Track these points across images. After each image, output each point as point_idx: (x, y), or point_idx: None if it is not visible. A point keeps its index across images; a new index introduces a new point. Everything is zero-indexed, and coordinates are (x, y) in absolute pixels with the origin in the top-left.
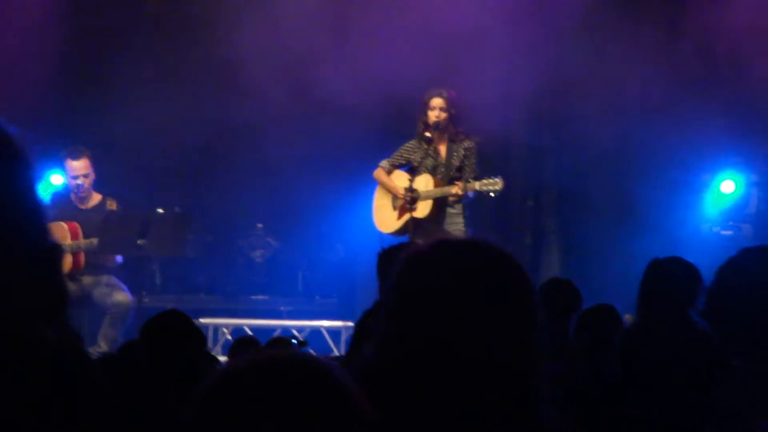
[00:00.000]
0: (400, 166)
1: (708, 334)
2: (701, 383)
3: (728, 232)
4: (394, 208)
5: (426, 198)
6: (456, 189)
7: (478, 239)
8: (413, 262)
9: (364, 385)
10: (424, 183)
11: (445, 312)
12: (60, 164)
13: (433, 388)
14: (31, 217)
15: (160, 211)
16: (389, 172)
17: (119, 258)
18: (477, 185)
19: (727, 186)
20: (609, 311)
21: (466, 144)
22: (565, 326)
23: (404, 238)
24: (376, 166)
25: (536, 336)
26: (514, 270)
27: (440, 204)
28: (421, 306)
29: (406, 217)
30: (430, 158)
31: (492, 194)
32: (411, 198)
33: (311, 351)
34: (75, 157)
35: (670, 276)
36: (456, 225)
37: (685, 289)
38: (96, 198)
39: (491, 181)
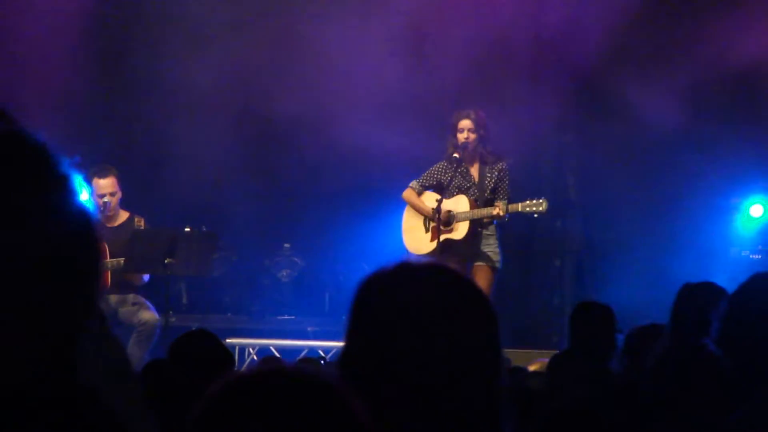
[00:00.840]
0: (430, 187)
1: (721, 361)
2: (716, 410)
3: (757, 257)
4: (427, 229)
5: (463, 219)
6: (497, 210)
7: (438, 264)
8: (373, 281)
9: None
10: (459, 204)
11: (394, 331)
12: (86, 181)
13: (386, 406)
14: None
15: (187, 229)
16: (420, 193)
17: (146, 277)
18: (520, 207)
19: (757, 210)
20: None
21: (499, 165)
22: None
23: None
24: (405, 186)
25: (495, 360)
26: (472, 294)
27: (475, 226)
28: (374, 324)
29: (442, 238)
30: (461, 177)
31: (536, 215)
32: (446, 219)
33: None
34: (102, 176)
35: (702, 301)
36: (490, 247)
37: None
38: (123, 216)
39: (536, 202)
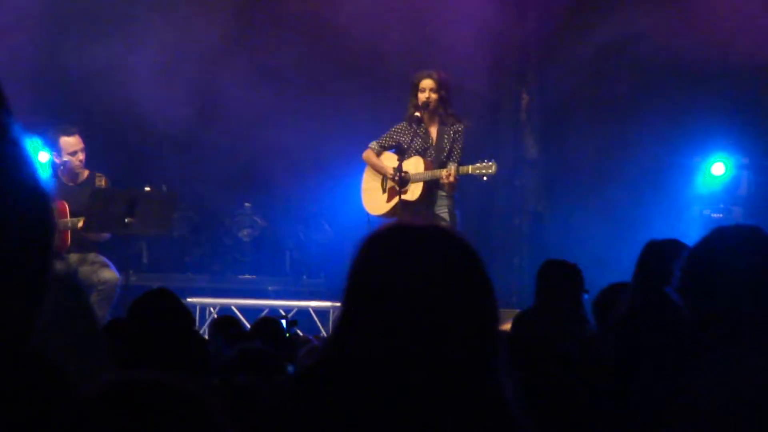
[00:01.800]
0: (389, 148)
1: (682, 310)
2: (676, 362)
3: (719, 215)
4: (384, 190)
5: (416, 180)
6: (446, 172)
7: (436, 226)
8: (368, 248)
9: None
10: (415, 165)
11: (399, 299)
12: (50, 141)
13: (392, 373)
14: (37, 199)
15: (147, 189)
16: (378, 154)
17: (108, 234)
18: (470, 169)
19: (718, 168)
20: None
21: (456, 127)
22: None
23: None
24: (365, 147)
25: (493, 316)
26: (469, 256)
27: (431, 187)
28: (375, 293)
29: (396, 199)
30: (420, 139)
31: (485, 178)
32: (401, 180)
33: (299, 331)
34: (69, 134)
35: (670, 258)
36: (443, 208)
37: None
38: (84, 174)
39: (485, 165)
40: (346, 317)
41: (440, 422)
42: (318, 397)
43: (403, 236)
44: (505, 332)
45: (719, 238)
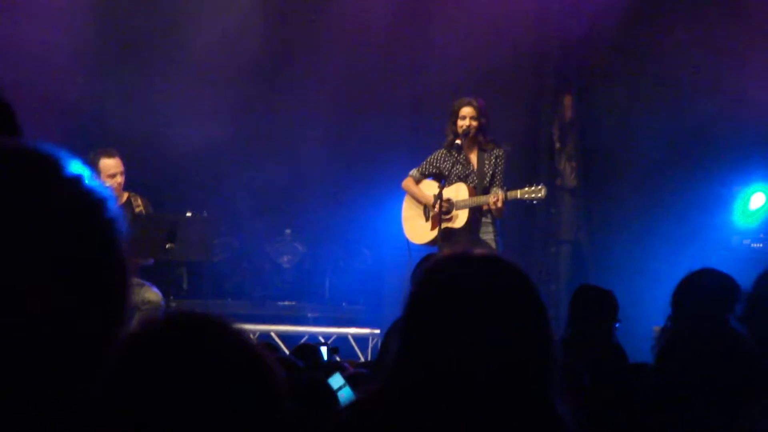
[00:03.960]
0: (429, 175)
1: (745, 338)
2: (737, 388)
3: (758, 245)
4: (427, 218)
5: (462, 207)
6: (494, 197)
7: (493, 254)
8: (427, 279)
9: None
10: (457, 192)
11: (459, 330)
12: (90, 165)
13: (450, 405)
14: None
15: (189, 214)
16: (418, 181)
17: (152, 261)
18: (519, 193)
19: (758, 198)
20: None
21: (497, 152)
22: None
23: (436, 249)
24: (405, 174)
25: (550, 344)
26: (527, 285)
27: (475, 213)
28: (435, 324)
29: (442, 227)
30: (460, 166)
31: (535, 202)
32: (446, 208)
33: (338, 359)
34: (109, 155)
35: (705, 286)
36: (489, 234)
37: (721, 298)
38: (123, 196)
39: (534, 189)
40: (405, 348)
41: None
42: (377, 428)
43: (460, 266)
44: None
45: None
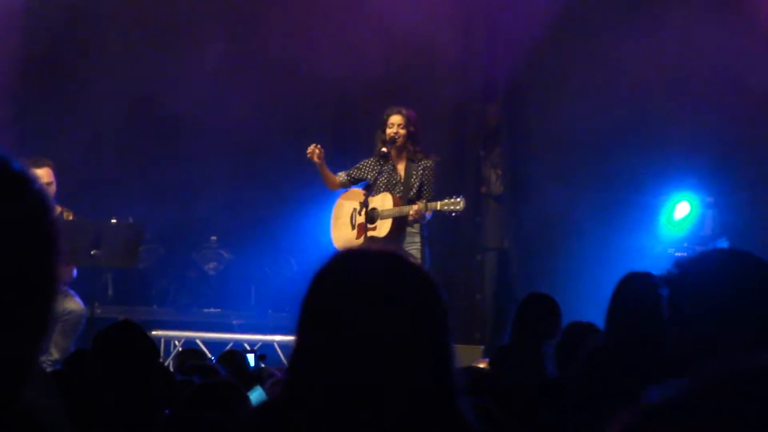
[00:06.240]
0: (357, 181)
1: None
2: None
3: (683, 254)
4: (353, 226)
5: (386, 217)
6: (415, 208)
7: (391, 250)
8: (319, 276)
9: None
10: (382, 201)
11: (348, 326)
12: None
13: (345, 404)
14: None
15: (114, 221)
16: (344, 185)
17: (74, 272)
18: (438, 205)
19: (682, 208)
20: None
21: (425, 163)
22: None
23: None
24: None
25: (448, 338)
26: (425, 280)
27: (400, 223)
28: (325, 322)
29: (365, 235)
30: (387, 175)
31: (453, 214)
32: (370, 217)
33: (263, 366)
34: (38, 166)
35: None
36: (414, 245)
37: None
38: (56, 209)
39: (453, 201)
40: (299, 348)
41: None
42: (275, 427)
43: (352, 262)
44: (483, 369)
45: (700, 263)
